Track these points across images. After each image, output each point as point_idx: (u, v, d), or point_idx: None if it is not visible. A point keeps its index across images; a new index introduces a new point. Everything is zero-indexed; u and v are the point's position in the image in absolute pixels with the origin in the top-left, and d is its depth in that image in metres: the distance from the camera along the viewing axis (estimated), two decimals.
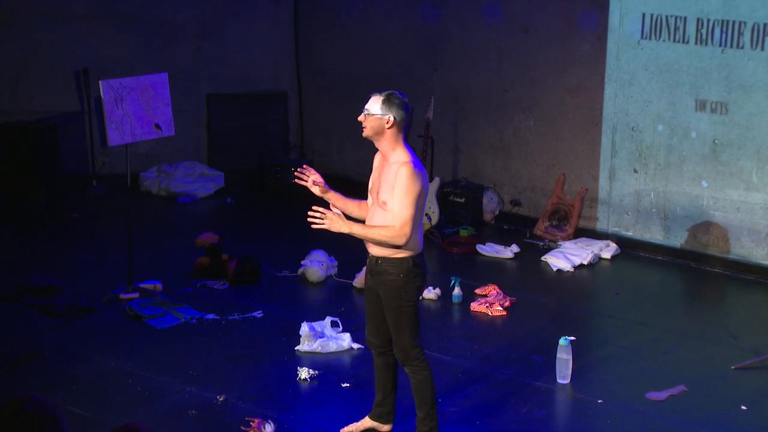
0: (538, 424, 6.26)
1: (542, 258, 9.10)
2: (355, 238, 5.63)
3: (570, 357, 6.71)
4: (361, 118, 5.59)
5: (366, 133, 5.58)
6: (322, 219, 5.47)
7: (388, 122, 5.50)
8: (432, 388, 5.78)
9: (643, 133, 9.15)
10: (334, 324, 7.47)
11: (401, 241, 5.45)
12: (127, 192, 8.17)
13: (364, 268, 7.79)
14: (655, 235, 9.26)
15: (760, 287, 8.59)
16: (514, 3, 9.81)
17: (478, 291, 8.24)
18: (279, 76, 11.53)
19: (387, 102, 5.51)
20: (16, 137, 10.32)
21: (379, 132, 5.53)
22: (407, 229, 5.42)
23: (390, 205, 5.48)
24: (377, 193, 5.61)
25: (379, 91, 5.59)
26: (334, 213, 5.52)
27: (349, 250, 8.53)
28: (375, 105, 5.54)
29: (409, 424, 6.00)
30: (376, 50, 10.83)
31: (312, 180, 5.73)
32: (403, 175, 5.41)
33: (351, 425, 6.11)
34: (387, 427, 6.08)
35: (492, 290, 8.18)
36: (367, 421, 6.10)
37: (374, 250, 5.65)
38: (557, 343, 6.75)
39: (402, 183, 5.41)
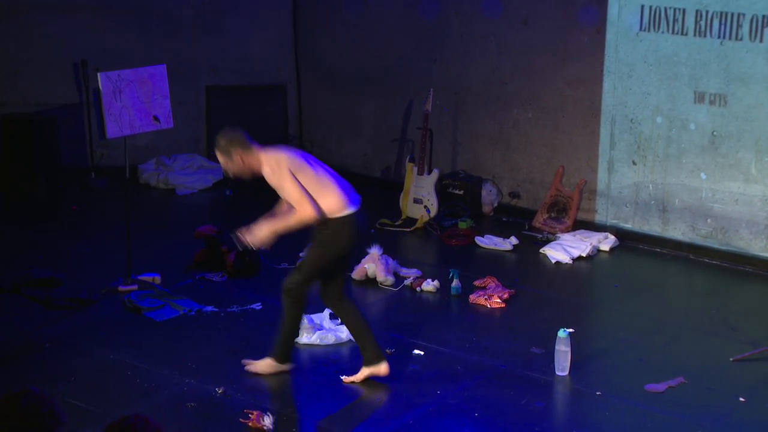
0: (537, 415, 6.26)
1: (541, 250, 9.10)
2: None
3: (569, 349, 6.71)
4: (232, 176, 6.29)
5: (245, 178, 6.25)
6: (247, 241, 6.13)
7: (240, 159, 6.15)
8: (294, 330, 6.49)
9: (642, 125, 9.15)
10: (332, 316, 7.47)
11: (308, 216, 6.05)
12: (126, 184, 8.16)
13: (363, 260, 7.80)
14: (653, 227, 9.26)
15: (758, 279, 8.59)
16: None
17: (476, 283, 8.24)
18: (278, 69, 11.52)
19: (222, 153, 6.19)
20: (15, 130, 10.31)
21: (244, 169, 6.18)
22: (306, 205, 6.03)
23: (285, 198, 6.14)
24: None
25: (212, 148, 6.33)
26: (248, 228, 6.12)
27: None
28: (223, 162, 6.23)
29: (406, 418, 6.00)
30: (375, 43, 10.81)
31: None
32: (268, 174, 6.10)
33: (352, 376, 6.46)
34: (383, 366, 6.40)
35: (491, 282, 8.18)
36: (365, 371, 6.42)
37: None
38: (556, 335, 6.75)
39: (272, 178, 6.08)
